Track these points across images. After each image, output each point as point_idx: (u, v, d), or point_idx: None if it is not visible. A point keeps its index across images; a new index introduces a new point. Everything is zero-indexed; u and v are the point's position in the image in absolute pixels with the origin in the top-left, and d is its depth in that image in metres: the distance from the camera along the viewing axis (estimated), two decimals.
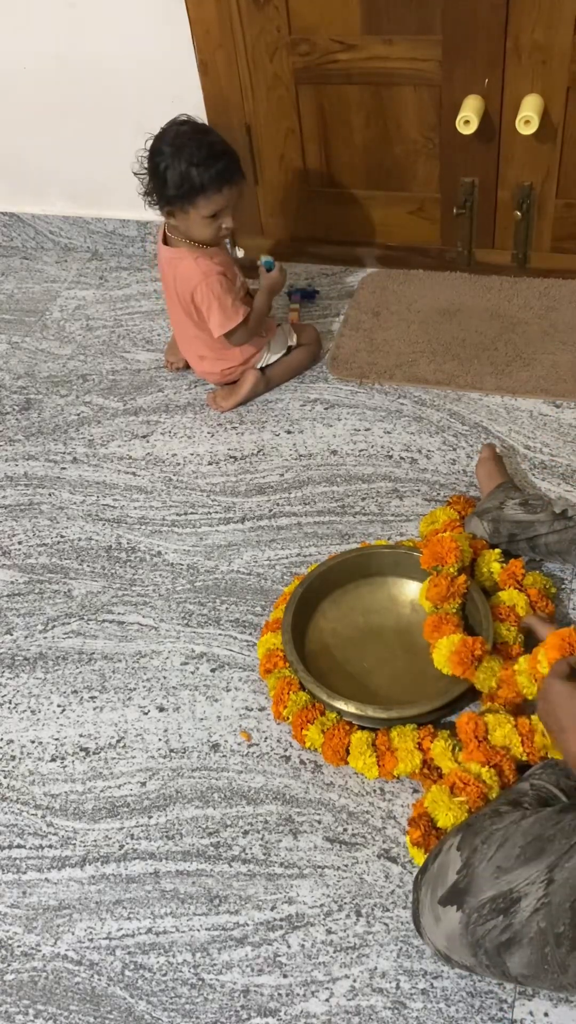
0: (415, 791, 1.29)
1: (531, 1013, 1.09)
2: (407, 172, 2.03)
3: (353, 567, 1.51)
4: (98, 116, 2.14)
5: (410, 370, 1.94)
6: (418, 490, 1.70)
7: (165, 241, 1.77)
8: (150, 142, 1.64)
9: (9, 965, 1.19)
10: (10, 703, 1.47)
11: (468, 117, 1.81)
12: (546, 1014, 1.08)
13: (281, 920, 1.19)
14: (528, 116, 1.78)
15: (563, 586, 1.50)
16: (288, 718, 1.35)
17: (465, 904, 1.01)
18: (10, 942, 1.21)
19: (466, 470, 1.72)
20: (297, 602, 1.44)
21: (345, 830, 1.26)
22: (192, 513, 1.72)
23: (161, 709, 1.43)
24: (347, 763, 1.30)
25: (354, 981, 1.13)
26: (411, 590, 1.50)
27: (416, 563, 1.49)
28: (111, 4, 1.95)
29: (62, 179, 2.31)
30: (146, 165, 1.65)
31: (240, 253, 1.89)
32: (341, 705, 1.31)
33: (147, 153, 1.65)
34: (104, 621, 1.57)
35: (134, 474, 1.81)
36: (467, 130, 1.82)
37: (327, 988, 1.13)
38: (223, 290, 1.73)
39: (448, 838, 1.10)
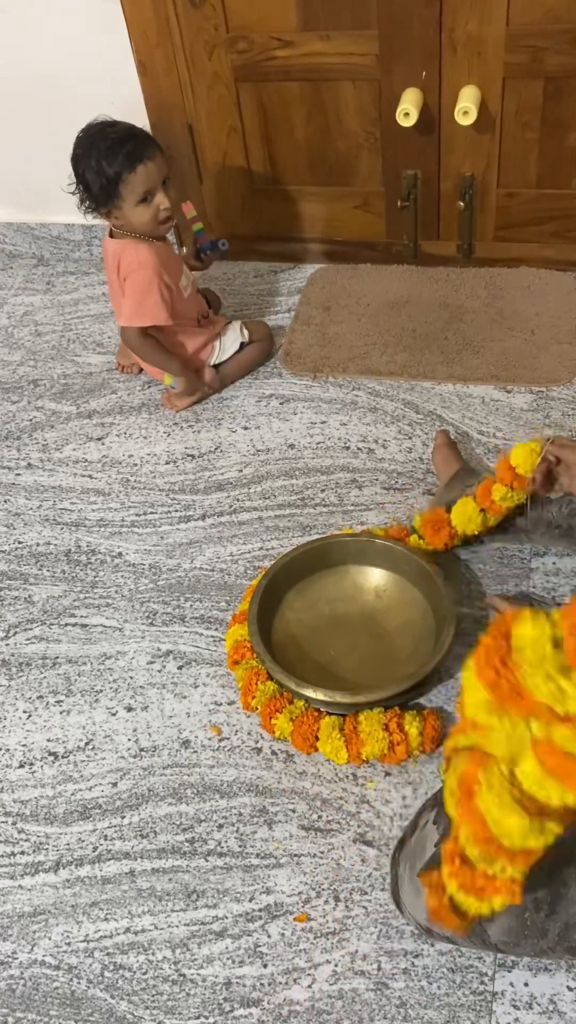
0: (387, 774, 1.29)
1: (511, 984, 1.10)
2: (350, 167, 2.05)
3: (316, 557, 1.52)
4: (38, 121, 2.12)
5: (363, 362, 1.95)
6: (376, 479, 1.71)
7: (111, 235, 1.76)
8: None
9: None
10: None
11: (408, 110, 1.83)
12: (526, 984, 1.09)
13: (260, 910, 1.19)
14: (466, 107, 1.80)
15: (522, 565, 1.52)
16: (257, 708, 1.35)
17: None
18: None
19: (422, 458, 1.74)
20: (262, 594, 1.44)
21: (320, 817, 1.26)
22: (152, 513, 1.72)
23: (129, 709, 1.42)
24: (317, 750, 1.31)
25: (336, 966, 1.13)
26: (375, 577, 1.51)
27: (379, 550, 1.50)
28: (44, 7, 1.94)
29: (4, 185, 2.29)
30: (73, 178, 1.66)
31: (198, 225, 1.85)
32: (310, 693, 1.31)
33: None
34: (67, 625, 1.55)
35: (90, 477, 1.80)
36: (407, 123, 1.84)
37: (309, 975, 1.13)
38: (150, 288, 1.72)
39: (424, 814, 1.10)
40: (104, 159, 1.60)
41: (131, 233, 1.72)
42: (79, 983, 1.15)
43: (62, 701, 1.45)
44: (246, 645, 1.40)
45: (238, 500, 1.71)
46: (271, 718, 1.32)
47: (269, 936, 1.16)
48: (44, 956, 1.18)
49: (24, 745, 1.40)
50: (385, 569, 1.50)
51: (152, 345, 1.81)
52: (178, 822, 1.28)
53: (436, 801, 1.10)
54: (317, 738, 1.30)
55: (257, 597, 1.43)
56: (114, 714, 1.42)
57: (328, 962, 1.14)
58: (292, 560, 1.50)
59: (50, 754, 1.38)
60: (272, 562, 1.52)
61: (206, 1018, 1.11)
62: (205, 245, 1.92)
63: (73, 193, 1.68)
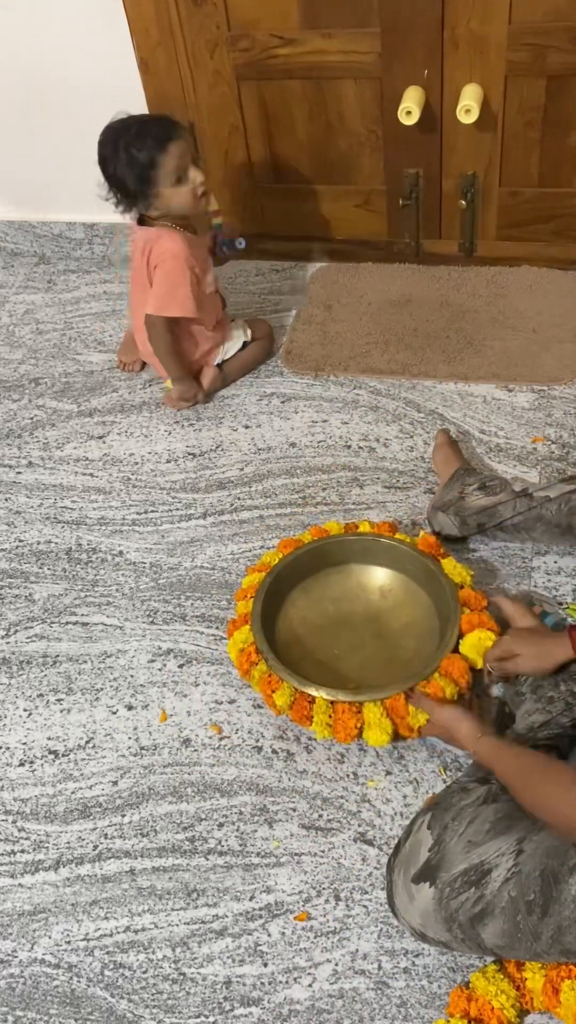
0: (388, 773, 1.29)
1: None
2: (352, 165, 2.04)
3: (321, 555, 1.51)
4: (39, 119, 2.12)
5: (364, 361, 1.95)
6: (378, 478, 1.71)
7: (140, 222, 1.74)
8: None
9: None
10: None
11: (409, 108, 1.83)
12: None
13: (260, 909, 1.19)
14: (468, 105, 1.80)
15: (523, 564, 1.52)
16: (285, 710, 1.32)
17: (438, 879, 1.02)
18: None
19: (423, 456, 1.73)
20: (266, 592, 1.43)
21: (320, 816, 1.26)
22: (153, 511, 1.71)
23: (130, 708, 1.42)
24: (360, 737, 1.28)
25: (336, 965, 1.13)
26: (379, 576, 1.50)
27: (383, 549, 1.49)
28: (46, 5, 1.94)
29: (4, 183, 2.28)
30: (104, 181, 1.63)
31: (218, 220, 1.84)
32: (312, 691, 1.31)
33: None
34: (68, 623, 1.55)
35: (92, 475, 1.80)
36: (409, 121, 1.84)
37: (309, 974, 1.13)
38: (182, 279, 1.71)
39: (418, 818, 1.10)
40: (133, 147, 1.58)
41: (165, 221, 1.69)
42: (79, 982, 1.15)
43: (63, 699, 1.44)
44: (251, 651, 1.38)
45: (239, 499, 1.71)
46: (307, 720, 1.29)
47: (269, 935, 1.16)
48: (44, 954, 1.18)
49: (24, 743, 1.40)
50: (390, 568, 1.50)
51: (170, 342, 1.79)
52: (178, 821, 1.28)
53: (432, 805, 1.10)
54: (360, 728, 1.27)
55: (261, 595, 1.43)
56: (114, 712, 1.42)
57: (328, 961, 1.13)
58: (297, 558, 1.49)
59: (50, 752, 1.38)
60: (275, 559, 1.51)
61: (206, 1017, 1.10)
62: (224, 241, 1.89)
63: (107, 199, 1.65)
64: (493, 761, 1.10)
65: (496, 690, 1.35)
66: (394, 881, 1.08)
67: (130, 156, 1.58)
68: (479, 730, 1.15)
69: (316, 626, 1.46)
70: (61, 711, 1.43)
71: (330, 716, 1.29)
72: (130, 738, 1.38)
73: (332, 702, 1.30)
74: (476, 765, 1.18)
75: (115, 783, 1.33)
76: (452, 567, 1.44)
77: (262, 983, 1.12)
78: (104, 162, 1.61)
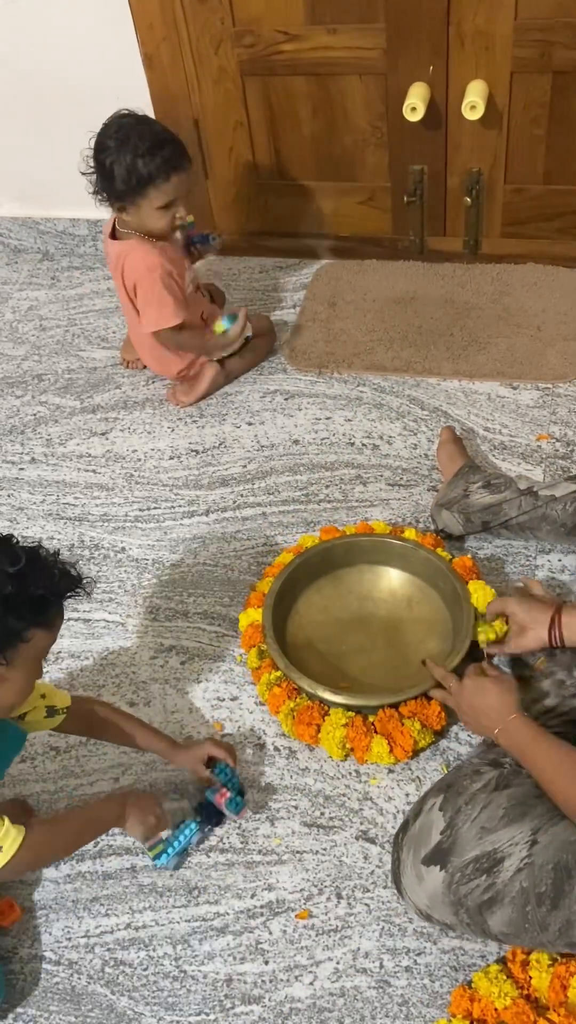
0: (390, 771, 1.29)
1: None
2: (356, 162, 2.04)
3: (359, 551, 1.50)
4: (43, 115, 2.12)
5: (368, 358, 1.94)
6: (381, 475, 1.70)
7: (113, 235, 1.75)
8: (95, 140, 1.63)
9: None
10: None
11: (415, 104, 1.82)
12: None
13: (261, 907, 1.18)
14: (473, 102, 1.80)
15: (527, 562, 1.52)
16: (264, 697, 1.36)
17: (449, 864, 1.02)
18: None
19: (427, 454, 1.73)
20: (291, 572, 1.44)
21: (322, 814, 1.26)
22: (155, 508, 1.71)
23: (131, 704, 1.41)
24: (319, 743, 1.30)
25: (337, 963, 1.12)
26: (410, 586, 1.48)
27: (421, 561, 1.46)
28: (51, 1, 1.93)
29: (8, 180, 2.28)
30: (92, 163, 1.63)
31: (189, 218, 1.84)
32: (294, 678, 1.32)
33: (92, 151, 1.63)
34: (69, 620, 1.54)
35: (94, 472, 1.79)
36: (414, 117, 1.83)
37: (311, 972, 1.12)
38: (164, 288, 1.72)
39: (429, 798, 1.10)
40: (141, 159, 1.56)
41: (135, 232, 1.71)
42: (79, 979, 1.14)
43: None
44: (259, 627, 1.39)
45: (242, 496, 1.71)
46: (277, 710, 1.33)
47: (271, 933, 1.16)
48: (44, 951, 1.17)
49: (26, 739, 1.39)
50: (423, 580, 1.47)
51: (184, 341, 1.80)
52: (180, 818, 1.27)
53: (442, 787, 1.09)
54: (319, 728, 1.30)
55: (284, 574, 1.43)
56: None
57: (330, 959, 1.13)
58: (332, 547, 1.48)
59: (51, 748, 1.37)
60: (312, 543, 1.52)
61: (207, 1015, 1.10)
62: (196, 238, 1.89)
63: (86, 174, 1.62)
64: (524, 747, 1.05)
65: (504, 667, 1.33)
66: (402, 859, 1.08)
67: (134, 164, 1.57)
68: (512, 709, 1.09)
69: (334, 618, 1.45)
70: None
71: (295, 716, 1.31)
72: None
73: (296, 704, 1.31)
74: (488, 745, 1.17)
75: (116, 780, 1.33)
76: (482, 590, 1.39)
77: (263, 981, 1.12)
78: (104, 151, 1.59)
